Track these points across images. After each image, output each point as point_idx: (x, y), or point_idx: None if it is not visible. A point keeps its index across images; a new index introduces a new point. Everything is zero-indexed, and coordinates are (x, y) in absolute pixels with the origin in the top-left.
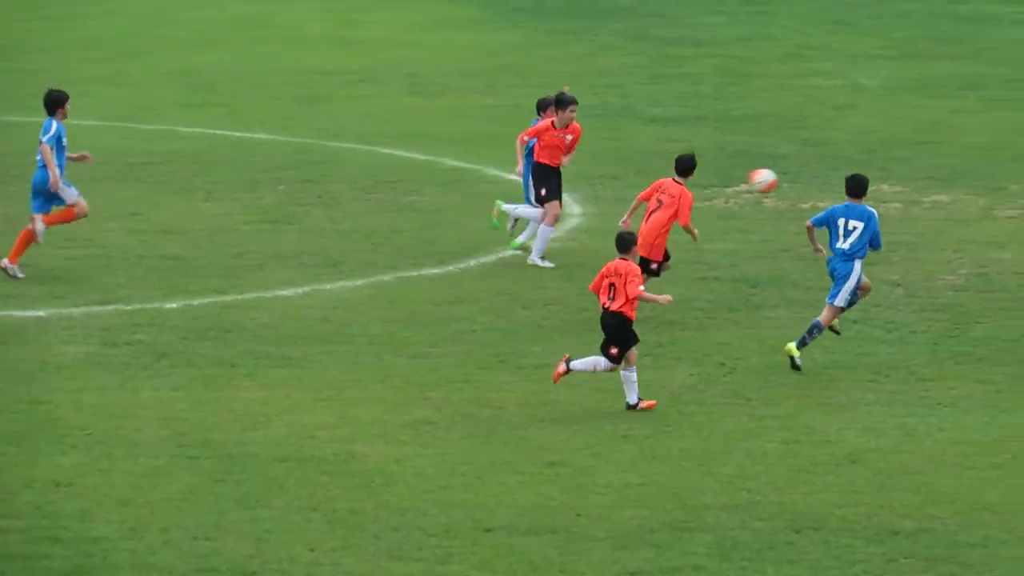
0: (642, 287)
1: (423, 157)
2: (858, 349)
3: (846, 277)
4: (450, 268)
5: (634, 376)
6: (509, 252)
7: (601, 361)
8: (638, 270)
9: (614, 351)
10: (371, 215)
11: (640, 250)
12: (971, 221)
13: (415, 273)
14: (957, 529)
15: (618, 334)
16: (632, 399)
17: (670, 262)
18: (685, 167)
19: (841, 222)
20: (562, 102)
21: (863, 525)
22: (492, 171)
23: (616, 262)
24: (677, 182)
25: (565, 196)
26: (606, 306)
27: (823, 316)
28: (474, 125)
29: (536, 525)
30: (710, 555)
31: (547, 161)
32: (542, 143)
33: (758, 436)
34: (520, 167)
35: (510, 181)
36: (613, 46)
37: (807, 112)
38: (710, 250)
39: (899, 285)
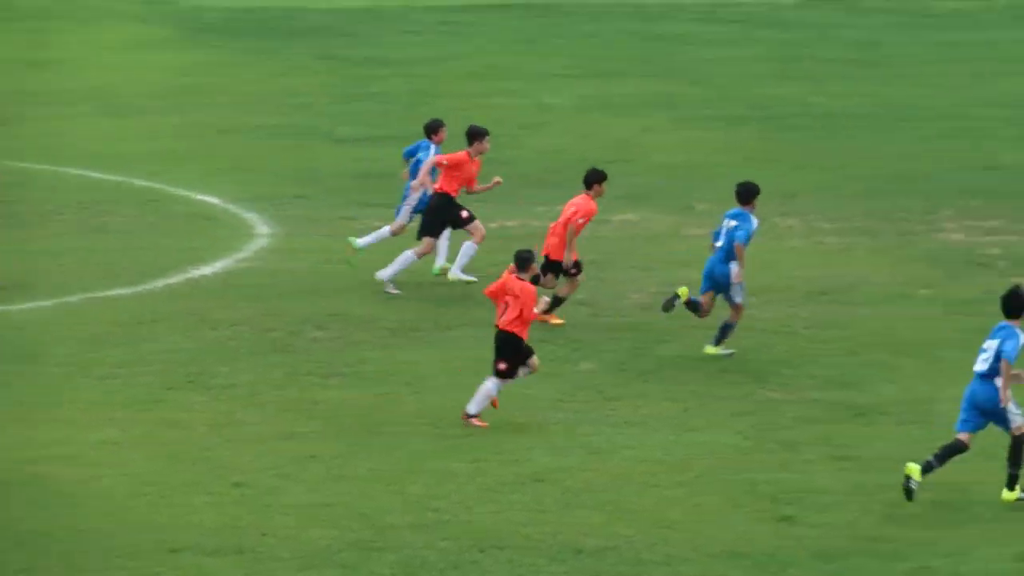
0: (536, 308)
1: (113, 178)
2: (545, 369)
3: (727, 279)
4: (140, 289)
5: (494, 390)
6: (198, 273)
7: (491, 386)
8: (535, 293)
9: (502, 366)
10: (60, 236)
11: (552, 252)
12: (659, 239)
13: (105, 294)
14: (641, 547)
15: (508, 351)
16: (473, 409)
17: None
18: (587, 180)
19: (723, 224)
20: (479, 133)
21: (548, 544)
22: (182, 191)
23: (514, 281)
24: (586, 194)
25: (251, 215)
26: (498, 324)
27: (731, 317)
28: (163, 145)
29: (223, 545)
30: (396, 575)
31: (450, 190)
32: (454, 173)
33: (446, 456)
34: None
35: (198, 202)
36: (303, 66)
37: (494, 131)
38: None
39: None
